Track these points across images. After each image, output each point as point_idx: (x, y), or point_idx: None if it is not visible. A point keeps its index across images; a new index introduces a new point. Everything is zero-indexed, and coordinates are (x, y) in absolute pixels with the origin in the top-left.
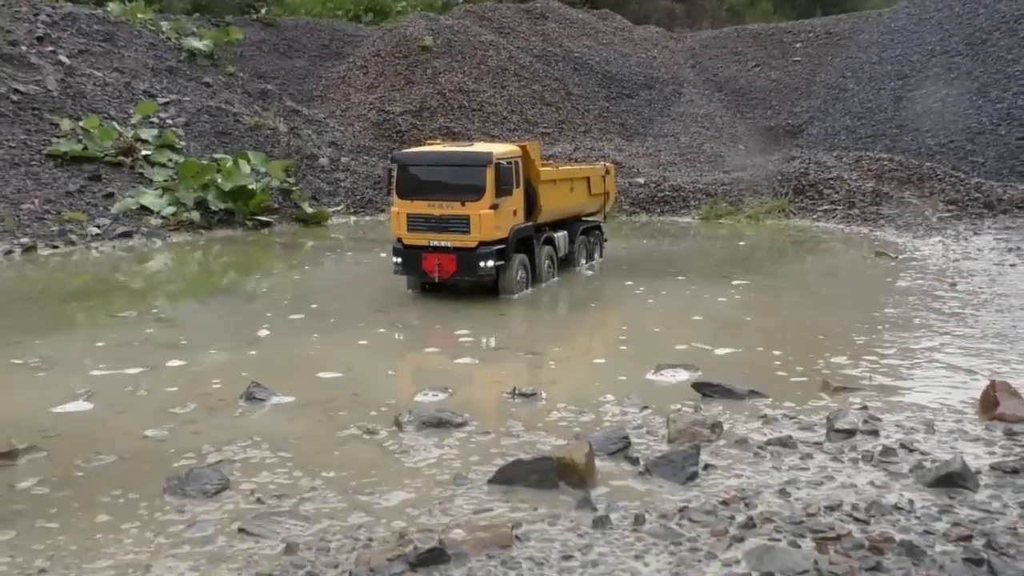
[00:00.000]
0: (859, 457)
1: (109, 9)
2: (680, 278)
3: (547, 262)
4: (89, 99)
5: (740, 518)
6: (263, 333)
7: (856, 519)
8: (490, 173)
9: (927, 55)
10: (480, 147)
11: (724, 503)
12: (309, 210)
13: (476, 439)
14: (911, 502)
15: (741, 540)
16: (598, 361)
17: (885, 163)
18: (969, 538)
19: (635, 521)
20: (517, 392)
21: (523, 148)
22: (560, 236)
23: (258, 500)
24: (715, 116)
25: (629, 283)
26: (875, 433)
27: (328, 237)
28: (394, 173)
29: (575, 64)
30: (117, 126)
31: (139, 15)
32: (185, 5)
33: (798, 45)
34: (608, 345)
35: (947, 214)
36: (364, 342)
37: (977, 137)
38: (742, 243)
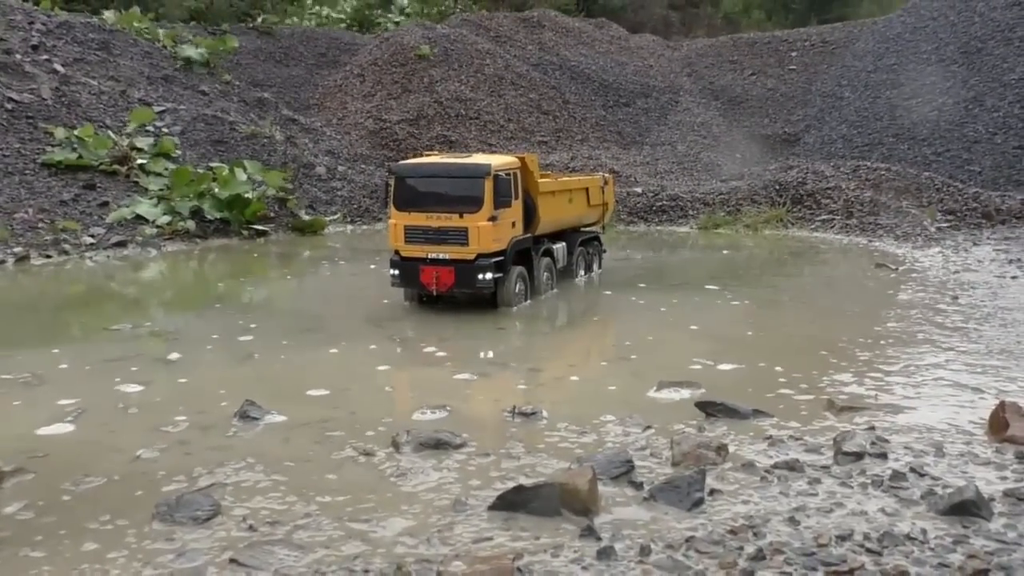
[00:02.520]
0: (868, 482)
1: (105, 17)
2: (679, 290)
3: (546, 274)
4: (84, 108)
5: (749, 549)
6: (257, 347)
7: (868, 550)
8: (488, 185)
9: (922, 64)
10: (478, 158)
11: (732, 532)
12: (306, 219)
13: (476, 461)
14: (924, 531)
15: (751, 573)
16: (598, 377)
17: (883, 172)
18: (986, 572)
19: (641, 552)
20: (517, 411)
21: (521, 159)
22: (559, 247)
23: (250, 527)
24: (711, 124)
25: (628, 295)
26: (884, 456)
27: (325, 246)
28: (392, 184)
29: (572, 73)
30: (112, 135)
31: (135, 23)
32: (181, 13)
33: (794, 54)
34: (608, 360)
35: (945, 224)
36: (361, 356)
37: (973, 146)
38: (741, 254)
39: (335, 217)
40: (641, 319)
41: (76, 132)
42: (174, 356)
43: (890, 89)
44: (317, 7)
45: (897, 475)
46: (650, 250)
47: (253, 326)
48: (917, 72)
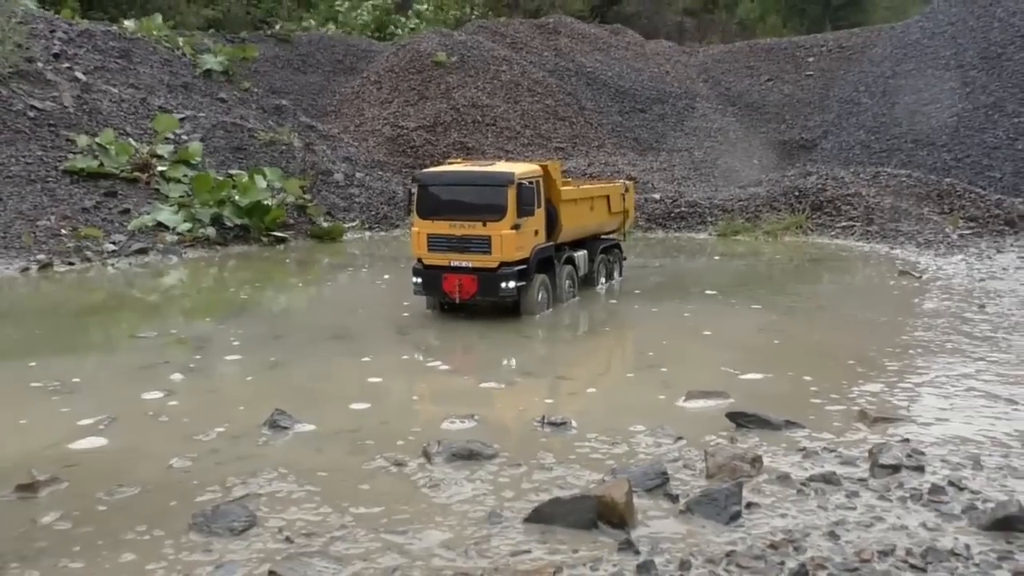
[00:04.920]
0: (907, 496)
1: (125, 26)
2: (701, 298)
3: (568, 282)
4: (105, 115)
5: (791, 564)
6: (282, 356)
7: (912, 566)
8: (512, 193)
9: (941, 69)
10: (502, 166)
11: (772, 546)
12: (324, 226)
13: (508, 472)
14: (968, 547)
15: None
16: (626, 387)
17: (903, 179)
18: None
19: (681, 566)
20: (547, 421)
21: (544, 167)
22: (580, 255)
23: (287, 539)
24: (728, 131)
25: (650, 304)
26: (920, 469)
27: (344, 253)
28: (414, 192)
29: (588, 79)
30: (133, 142)
31: (154, 31)
32: (200, 21)
33: (811, 59)
34: (634, 369)
35: (968, 231)
36: (386, 365)
37: (993, 152)
38: (761, 261)
39: (354, 224)
40: (663, 327)
41: (97, 139)
42: (200, 364)
43: (908, 95)
44: (337, 13)
45: (936, 489)
46: (669, 257)
47: (277, 334)
48: (936, 77)
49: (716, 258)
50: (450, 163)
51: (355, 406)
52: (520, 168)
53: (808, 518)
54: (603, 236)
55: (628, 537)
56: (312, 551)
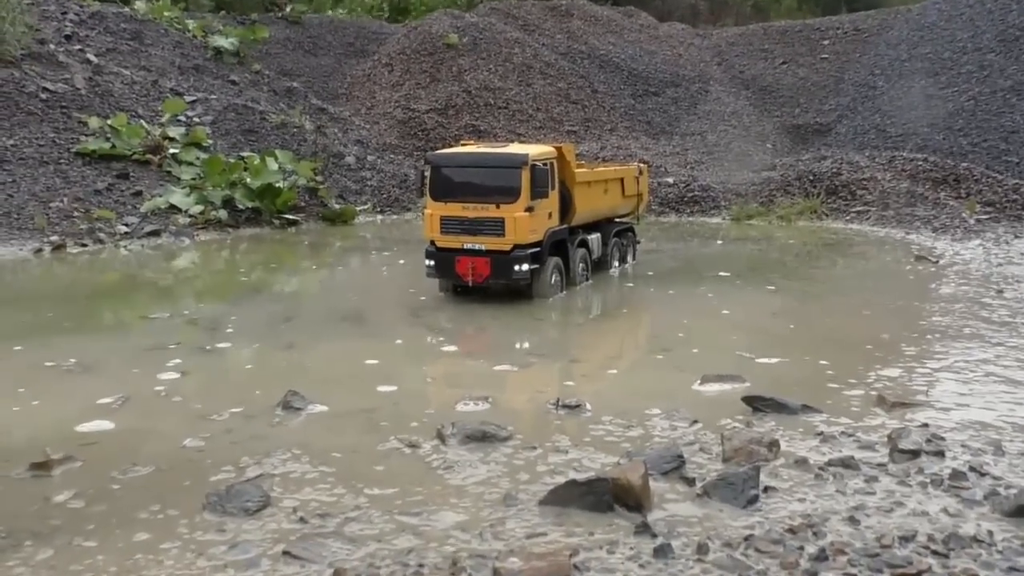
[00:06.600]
0: (928, 481)
1: (136, 7)
2: (715, 282)
3: (581, 265)
4: (117, 97)
5: (811, 549)
6: (295, 337)
7: (935, 552)
8: (525, 175)
9: (958, 52)
10: (515, 148)
11: (791, 531)
12: (336, 208)
13: (522, 455)
14: (990, 533)
15: (814, 574)
16: (640, 370)
17: (919, 163)
18: None
19: (698, 550)
20: (561, 403)
21: (558, 149)
22: (594, 238)
23: (301, 519)
24: (742, 114)
25: (664, 287)
26: (941, 454)
27: (355, 236)
28: (427, 174)
29: (601, 62)
30: (145, 124)
31: (165, 13)
32: (211, 3)
33: (826, 42)
34: (649, 353)
35: (985, 216)
36: (399, 347)
37: (1011, 136)
38: (775, 246)
39: (365, 207)
40: (677, 311)
41: (109, 122)
42: (213, 345)
43: (925, 78)
44: None
45: (957, 474)
46: (682, 241)
47: (290, 316)
48: (953, 61)
49: (730, 243)
50: (464, 144)
51: (368, 388)
52: (534, 150)
53: (827, 503)
54: (617, 219)
55: (645, 520)
56: (327, 532)
